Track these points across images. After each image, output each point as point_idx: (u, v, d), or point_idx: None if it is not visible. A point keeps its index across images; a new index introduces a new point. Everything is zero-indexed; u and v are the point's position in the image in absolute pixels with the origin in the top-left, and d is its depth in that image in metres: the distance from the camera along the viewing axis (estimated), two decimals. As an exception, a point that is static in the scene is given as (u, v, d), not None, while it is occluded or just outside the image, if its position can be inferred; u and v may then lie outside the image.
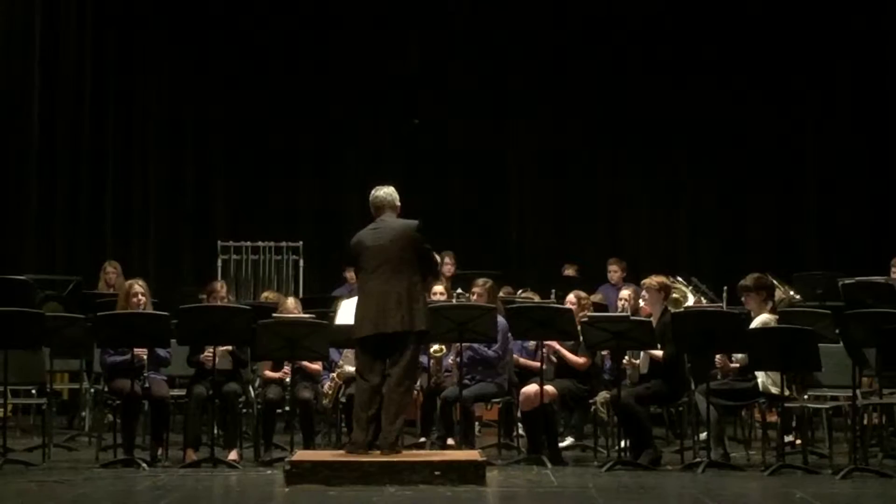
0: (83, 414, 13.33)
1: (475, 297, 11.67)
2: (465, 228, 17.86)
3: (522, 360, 11.60)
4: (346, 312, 11.38)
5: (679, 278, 13.46)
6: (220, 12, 17.86)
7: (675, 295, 11.93)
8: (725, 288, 13.79)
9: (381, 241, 10.06)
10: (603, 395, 11.15)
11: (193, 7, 17.86)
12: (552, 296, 13.68)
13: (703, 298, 13.47)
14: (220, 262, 16.76)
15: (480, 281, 11.85)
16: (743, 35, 17.82)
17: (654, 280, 11.12)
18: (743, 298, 11.15)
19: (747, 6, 17.82)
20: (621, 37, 18.03)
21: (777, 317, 10.95)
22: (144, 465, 10.51)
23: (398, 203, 10.33)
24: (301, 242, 16.93)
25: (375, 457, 9.73)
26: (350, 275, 15.74)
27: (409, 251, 10.04)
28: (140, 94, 17.77)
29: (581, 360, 11.13)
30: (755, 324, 10.78)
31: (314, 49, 17.98)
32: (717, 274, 15.75)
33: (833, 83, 17.78)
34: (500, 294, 12.50)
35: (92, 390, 12.83)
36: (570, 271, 15.57)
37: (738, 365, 10.79)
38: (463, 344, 11.11)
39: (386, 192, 10.33)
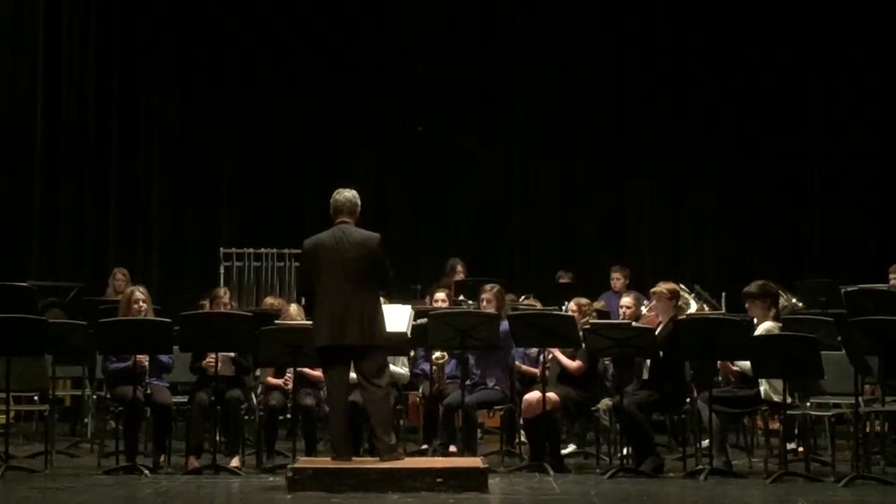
0: (85, 421, 13.34)
1: (485, 303, 11.61)
2: (469, 234, 17.89)
3: (524, 367, 11.59)
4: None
5: (682, 285, 13.45)
6: (226, 18, 17.88)
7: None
8: (724, 294, 13.77)
9: (343, 250, 9.98)
10: (605, 403, 11.13)
11: (199, 12, 17.87)
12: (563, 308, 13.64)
13: (705, 306, 13.46)
14: (222, 269, 16.76)
15: (488, 287, 11.78)
16: (749, 40, 17.83)
17: (663, 287, 11.09)
18: (747, 305, 11.14)
19: (755, 5, 17.82)
20: (625, 40, 18.06)
21: (781, 324, 10.93)
22: (147, 471, 10.51)
23: (358, 209, 10.24)
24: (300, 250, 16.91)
25: (377, 464, 9.74)
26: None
27: (369, 263, 9.98)
28: (144, 101, 17.80)
29: (574, 364, 11.10)
30: (759, 331, 10.77)
31: (318, 57, 17.99)
32: (720, 281, 15.78)
33: (840, 90, 17.75)
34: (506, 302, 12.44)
35: (94, 397, 12.85)
36: (565, 278, 15.54)
37: (738, 370, 10.77)
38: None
39: (346, 197, 10.23)
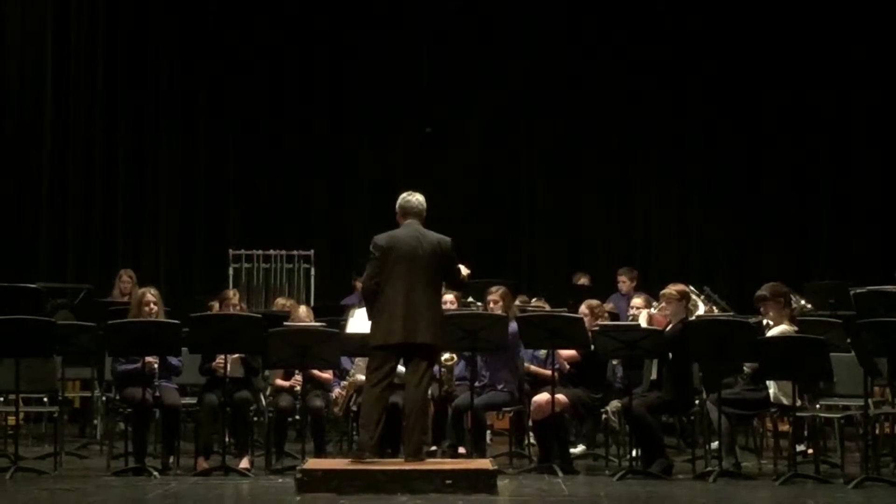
0: (95, 422, 13.36)
1: (491, 304, 11.58)
2: (478, 236, 17.88)
3: (533, 369, 11.59)
4: (357, 321, 11.40)
5: (691, 287, 13.44)
6: (235, 19, 17.89)
7: (685, 303, 11.91)
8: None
9: (418, 250, 10.03)
10: (614, 404, 11.13)
11: (208, 12, 17.88)
12: (573, 309, 13.61)
13: (714, 308, 13.44)
14: (231, 271, 16.77)
15: (494, 288, 11.76)
16: (758, 39, 17.81)
17: (673, 289, 11.08)
18: (762, 309, 11.11)
19: (763, 13, 17.79)
20: (634, 42, 18.01)
21: (797, 328, 10.87)
22: (156, 473, 10.53)
23: (425, 213, 10.34)
24: (312, 251, 16.94)
25: (388, 465, 9.74)
26: (360, 284, 15.73)
27: (440, 266, 10.06)
28: (152, 103, 17.80)
29: (566, 352, 11.11)
30: (774, 333, 10.75)
31: (328, 59, 18.01)
32: (729, 283, 15.79)
33: (848, 94, 17.74)
34: (515, 302, 12.42)
35: (103, 398, 12.85)
36: (582, 280, 15.55)
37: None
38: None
39: (419, 200, 10.38)
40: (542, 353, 11.46)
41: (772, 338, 10.67)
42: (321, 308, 13.59)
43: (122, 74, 17.62)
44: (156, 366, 10.81)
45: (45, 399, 12.56)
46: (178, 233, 17.80)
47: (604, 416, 11.35)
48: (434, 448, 11.45)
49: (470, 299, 13.24)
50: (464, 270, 10.36)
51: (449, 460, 10.75)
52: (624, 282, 15.26)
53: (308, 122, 17.98)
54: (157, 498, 9.54)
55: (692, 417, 11.36)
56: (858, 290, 12.57)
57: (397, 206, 10.38)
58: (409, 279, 9.96)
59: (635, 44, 18.02)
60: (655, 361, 10.96)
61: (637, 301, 12.05)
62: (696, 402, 11.15)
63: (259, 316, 11.44)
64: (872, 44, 17.62)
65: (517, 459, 11.59)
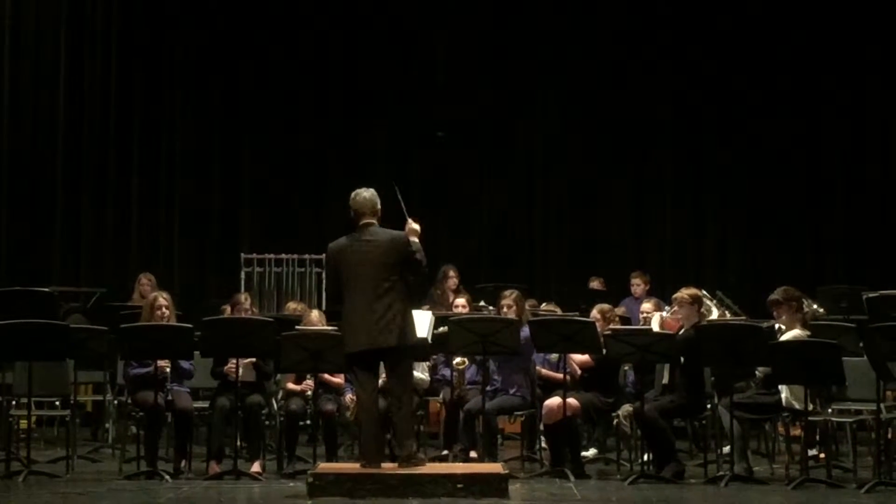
0: (107, 426, 13.37)
1: (505, 308, 11.53)
2: (491, 241, 17.89)
3: (545, 372, 11.57)
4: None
5: (704, 292, 13.43)
6: (248, 26, 17.91)
7: (698, 308, 11.90)
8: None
9: (369, 254, 9.84)
10: (626, 408, 11.12)
11: (220, 20, 17.90)
12: (585, 312, 13.61)
13: (727, 312, 13.43)
14: (243, 275, 16.76)
15: (507, 293, 11.69)
16: (769, 40, 17.78)
17: (685, 293, 11.06)
18: (774, 313, 11.10)
19: (779, 12, 17.77)
20: (649, 43, 18.00)
21: (809, 332, 10.87)
22: (168, 477, 10.54)
23: (379, 207, 10.07)
24: (324, 255, 16.90)
25: (398, 469, 9.73)
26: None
27: (397, 264, 9.85)
28: (166, 107, 17.82)
29: (579, 358, 11.11)
30: (786, 337, 10.74)
31: (342, 64, 18.01)
32: (742, 287, 15.76)
33: (862, 98, 17.72)
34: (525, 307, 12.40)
35: (115, 402, 12.88)
36: (595, 284, 15.54)
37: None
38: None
39: (366, 197, 10.05)
40: (554, 356, 11.45)
41: (784, 342, 10.66)
42: (333, 312, 13.58)
43: (137, 77, 17.64)
44: (168, 369, 10.83)
45: (58, 403, 12.58)
46: (191, 236, 17.80)
47: (615, 420, 11.33)
48: (445, 452, 11.45)
49: (482, 303, 13.24)
50: (414, 225, 9.98)
51: (460, 464, 10.73)
52: (637, 285, 15.26)
53: (322, 126, 17.98)
54: (169, 502, 9.56)
55: (704, 422, 11.36)
56: (871, 295, 12.54)
57: (350, 206, 10.08)
58: (364, 285, 9.78)
59: (650, 45, 18.01)
60: (667, 366, 10.95)
61: (647, 306, 12.07)
62: (708, 406, 11.14)
63: (271, 320, 11.43)
64: (888, 47, 17.58)
65: (529, 463, 11.60)
